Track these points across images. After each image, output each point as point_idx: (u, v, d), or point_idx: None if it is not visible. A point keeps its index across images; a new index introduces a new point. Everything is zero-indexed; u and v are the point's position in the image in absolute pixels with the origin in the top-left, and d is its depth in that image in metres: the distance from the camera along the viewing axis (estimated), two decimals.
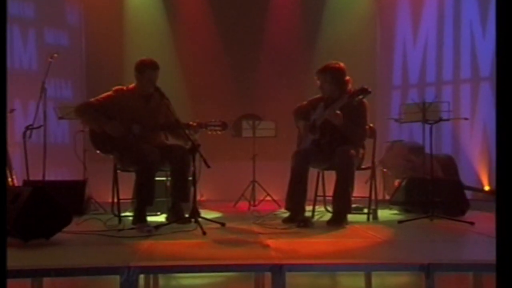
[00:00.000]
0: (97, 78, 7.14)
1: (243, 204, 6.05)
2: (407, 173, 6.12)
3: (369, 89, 4.23)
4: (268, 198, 6.10)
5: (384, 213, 5.11)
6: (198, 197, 6.40)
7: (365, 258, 2.87)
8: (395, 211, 5.27)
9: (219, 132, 4.35)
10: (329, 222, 4.17)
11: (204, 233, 3.62)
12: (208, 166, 3.81)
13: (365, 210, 4.70)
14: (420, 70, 7.38)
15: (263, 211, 5.10)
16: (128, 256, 2.82)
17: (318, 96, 4.64)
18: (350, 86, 4.44)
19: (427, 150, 6.10)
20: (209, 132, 4.35)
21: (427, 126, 4.77)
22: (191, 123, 4.34)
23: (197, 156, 3.88)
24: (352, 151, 4.27)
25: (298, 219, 4.14)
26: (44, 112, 5.37)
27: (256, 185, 6.20)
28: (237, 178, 6.53)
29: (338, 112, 4.26)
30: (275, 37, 7.58)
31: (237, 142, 6.63)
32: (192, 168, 4.00)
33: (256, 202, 6.08)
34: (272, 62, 7.55)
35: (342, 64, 4.46)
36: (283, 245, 3.23)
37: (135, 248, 3.11)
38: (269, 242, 3.31)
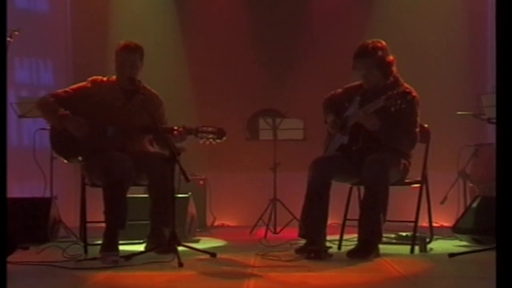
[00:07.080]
0: (87, 57, 7.56)
1: (261, 231, 6.38)
2: None
3: (413, 93, 4.60)
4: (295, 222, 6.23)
5: (445, 244, 5.35)
6: (209, 222, 6.95)
7: None
8: (465, 242, 5.48)
9: (212, 141, 4.72)
10: (349, 253, 4.53)
11: (180, 264, 4.10)
12: (188, 180, 4.32)
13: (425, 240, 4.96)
14: None
15: (283, 240, 5.46)
16: None
17: (357, 83, 4.97)
18: (394, 70, 4.80)
19: None
20: (201, 141, 4.75)
21: None
22: (176, 127, 4.77)
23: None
24: (387, 161, 4.59)
25: (311, 249, 4.54)
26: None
27: (279, 205, 6.52)
28: (254, 196, 6.93)
29: (372, 115, 4.58)
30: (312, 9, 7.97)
31: (253, 147, 6.91)
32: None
33: (278, 229, 6.41)
34: (302, 39, 7.85)
35: (382, 41, 4.81)
36: (267, 280, 3.67)
37: (85, 281, 3.64)
38: (253, 276, 3.76)
